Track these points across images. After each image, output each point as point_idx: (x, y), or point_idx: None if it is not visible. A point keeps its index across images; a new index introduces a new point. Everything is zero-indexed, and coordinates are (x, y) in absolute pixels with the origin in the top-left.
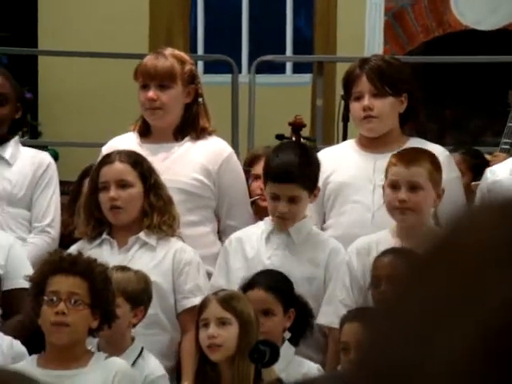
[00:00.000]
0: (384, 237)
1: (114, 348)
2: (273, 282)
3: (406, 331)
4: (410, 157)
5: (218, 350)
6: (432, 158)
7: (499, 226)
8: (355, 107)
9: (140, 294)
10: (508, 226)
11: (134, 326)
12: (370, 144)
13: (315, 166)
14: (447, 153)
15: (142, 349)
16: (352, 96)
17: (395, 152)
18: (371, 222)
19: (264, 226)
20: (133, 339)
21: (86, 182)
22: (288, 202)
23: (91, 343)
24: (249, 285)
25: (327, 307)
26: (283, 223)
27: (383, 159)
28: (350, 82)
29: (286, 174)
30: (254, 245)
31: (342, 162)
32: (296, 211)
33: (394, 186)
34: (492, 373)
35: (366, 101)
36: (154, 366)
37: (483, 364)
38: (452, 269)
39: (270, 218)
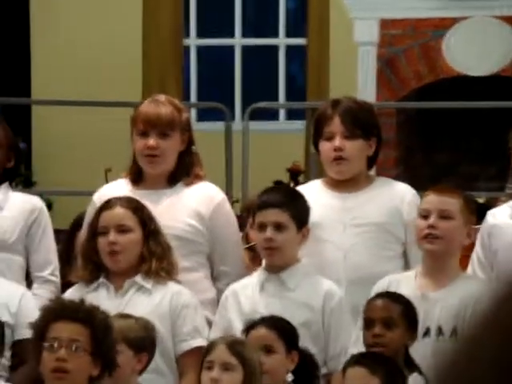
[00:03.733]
0: (408, 275)
1: None
2: (275, 321)
3: None
4: (444, 188)
5: None
6: (466, 197)
7: None
8: (326, 147)
9: (142, 340)
10: None
11: (140, 373)
12: (338, 184)
13: (303, 202)
14: (414, 191)
15: None
16: (322, 136)
17: (363, 191)
18: (343, 261)
19: (258, 276)
20: None
21: (78, 234)
22: (274, 229)
23: None
24: (251, 325)
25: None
26: (271, 254)
27: (352, 198)
28: (321, 121)
29: (270, 201)
30: (250, 295)
31: (311, 202)
32: (283, 240)
33: (424, 215)
34: None
35: (338, 141)
36: None
37: None
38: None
39: (263, 266)
